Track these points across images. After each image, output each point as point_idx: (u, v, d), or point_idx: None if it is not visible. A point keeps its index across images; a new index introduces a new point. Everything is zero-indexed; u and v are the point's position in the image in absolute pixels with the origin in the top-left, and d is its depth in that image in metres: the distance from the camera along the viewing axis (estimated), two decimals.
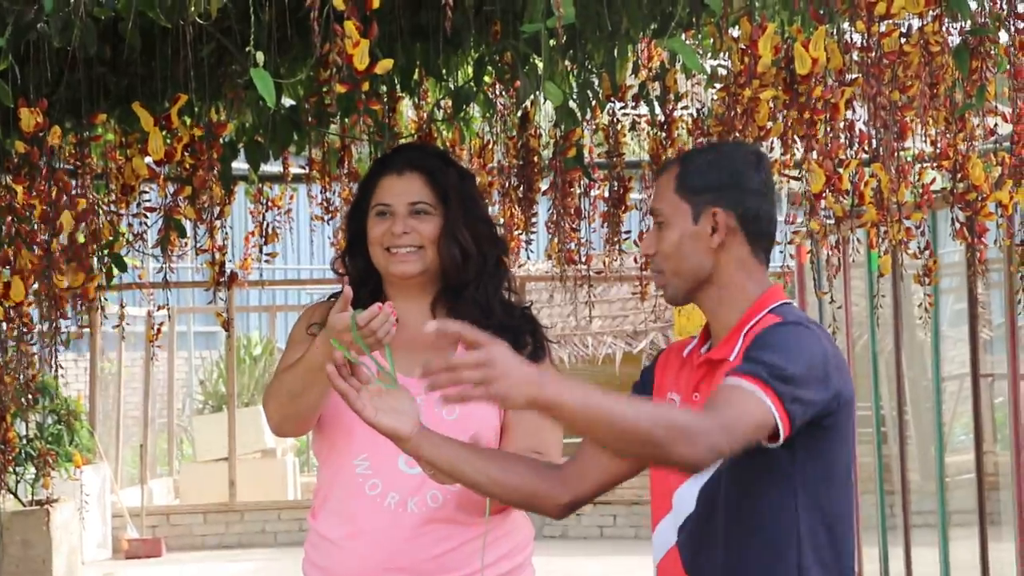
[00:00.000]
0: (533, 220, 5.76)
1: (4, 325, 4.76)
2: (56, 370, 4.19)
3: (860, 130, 4.00)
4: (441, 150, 3.72)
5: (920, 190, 4.74)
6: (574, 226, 5.51)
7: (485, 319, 3.26)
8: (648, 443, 2.43)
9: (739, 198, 2.75)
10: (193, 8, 3.16)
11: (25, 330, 4.70)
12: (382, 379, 2.92)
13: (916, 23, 3.65)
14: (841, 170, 3.77)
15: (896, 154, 3.85)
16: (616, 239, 6.13)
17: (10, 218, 3.83)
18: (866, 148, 4.03)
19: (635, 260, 6.51)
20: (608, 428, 2.43)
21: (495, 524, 3.20)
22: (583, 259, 5.83)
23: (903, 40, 3.58)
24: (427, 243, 3.26)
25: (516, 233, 6.02)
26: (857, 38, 3.57)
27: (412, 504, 3.15)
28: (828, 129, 3.70)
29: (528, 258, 6.29)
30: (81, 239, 4.33)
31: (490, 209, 6.16)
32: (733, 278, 2.77)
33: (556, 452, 3.27)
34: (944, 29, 3.66)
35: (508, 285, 3.41)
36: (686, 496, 2.81)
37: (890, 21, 3.37)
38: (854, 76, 3.69)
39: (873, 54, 3.32)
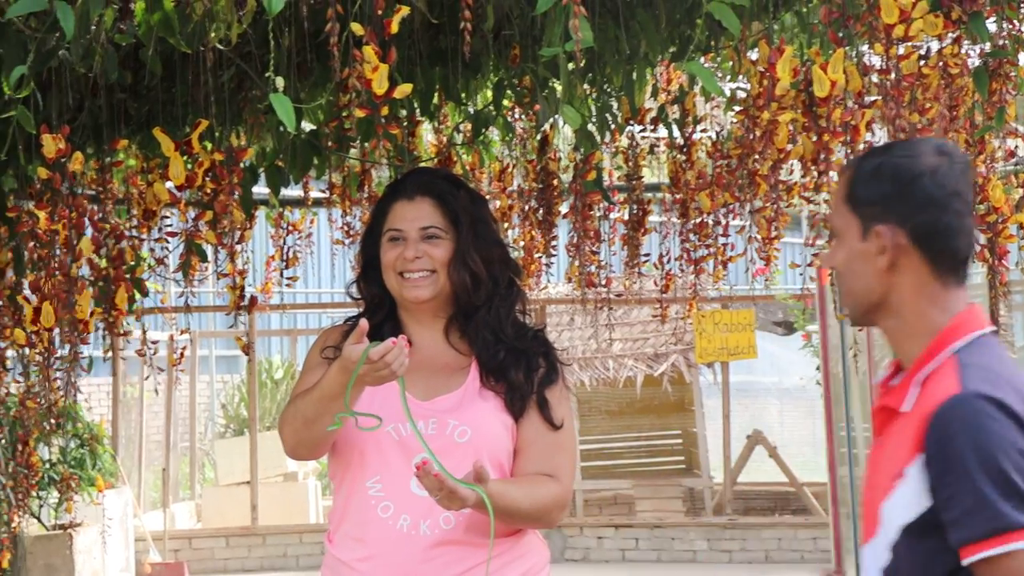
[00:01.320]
0: (553, 243, 5.76)
1: (27, 350, 4.78)
2: (75, 395, 4.19)
3: None
4: (452, 173, 3.74)
5: None
6: (594, 249, 5.51)
7: (496, 341, 3.29)
8: None
9: (908, 212, 2.33)
10: (213, 34, 3.18)
11: (48, 355, 4.72)
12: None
13: (935, 45, 3.64)
14: None
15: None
16: (636, 262, 6.14)
17: (32, 244, 3.84)
18: None
19: (655, 283, 6.52)
20: None
21: (508, 546, 3.21)
22: (603, 282, 5.83)
23: (922, 62, 3.58)
24: (439, 267, 3.27)
25: (536, 256, 6.03)
26: (876, 60, 3.57)
27: (424, 526, 3.15)
28: (848, 151, 3.69)
29: (548, 281, 6.29)
30: (103, 264, 4.35)
31: (510, 232, 6.19)
32: (910, 305, 2.36)
33: (569, 476, 3.28)
34: (963, 51, 3.65)
35: (522, 307, 3.41)
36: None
37: (909, 43, 3.37)
38: (873, 98, 3.69)
39: (892, 76, 3.32)
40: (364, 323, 3.00)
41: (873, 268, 2.36)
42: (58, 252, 3.76)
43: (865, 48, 3.72)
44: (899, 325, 2.38)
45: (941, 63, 3.56)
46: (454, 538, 3.15)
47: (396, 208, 3.32)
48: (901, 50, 3.33)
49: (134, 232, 5.10)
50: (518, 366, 3.26)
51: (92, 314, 4.05)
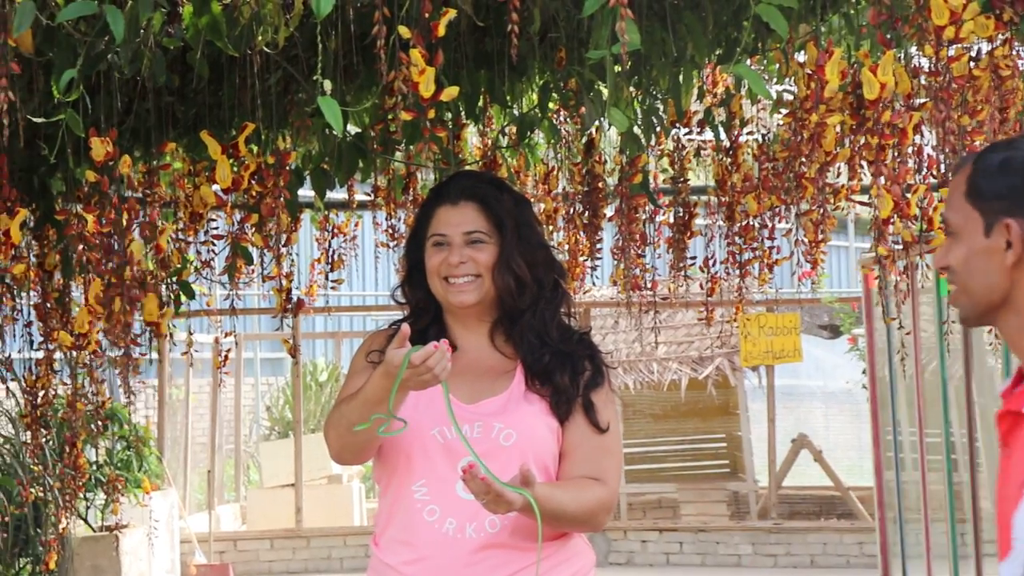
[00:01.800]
0: (598, 246, 5.75)
1: (74, 353, 4.81)
2: (129, 396, 4.22)
3: (928, 155, 3.97)
4: (496, 177, 3.73)
5: None
6: (639, 252, 5.50)
7: (541, 345, 3.28)
8: None
9: None
10: (260, 37, 3.19)
11: (94, 357, 4.75)
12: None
13: (985, 47, 3.62)
14: (909, 195, 3.73)
15: None
16: (681, 265, 6.12)
17: (81, 247, 3.86)
18: (934, 173, 3.99)
19: (700, 286, 6.50)
20: None
21: (555, 550, 3.20)
22: (649, 285, 5.82)
23: (972, 64, 3.55)
24: (484, 272, 3.27)
25: (581, 259, 6.02)
26: (924, 62, 3.54)
27: (470, 529, 3.15)
28: (896, 154, 3.66)
29: (593, 284, 6.28)
30: (150, 266, 4.37)
31: (555, 235, 6.18)
32: None
33: (615, 479, 3.27)
34: (1014, 52, 3.62)
35: (567, 309, 3.40)
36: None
37: (959, 45, 3.35)
38: (922, 101, 3.66)
39: (942, 78, 3.29)
40: (406, 328, 3.00)
41: (998, 264, 2.27)
42: (111, 255, 3.77)
43: (913, 50, 3.70)
44: (1021, 324, 2.29)
45: (992, 64, 3.53)
46: (500, 541, 3.14)
47: (440, 213, 3.31)
48: (951, 52, 3.30)
49: (180, 235, 5.13)
50: (563, 369, 3.26)
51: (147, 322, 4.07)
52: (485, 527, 3.14)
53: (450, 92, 2.95)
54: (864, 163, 3.75)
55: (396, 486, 3.24)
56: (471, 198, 3.31)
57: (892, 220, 3.70)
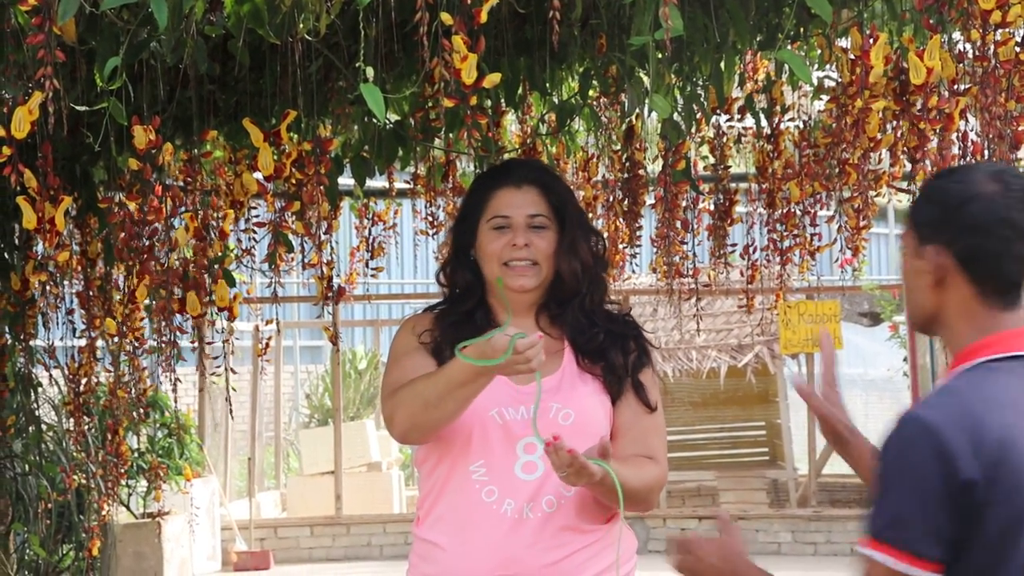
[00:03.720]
0: (638, 233, 5.74)
1: (116, 340, 4.83)
2: (174, 384, 4.24)
3: (973, 141, 3.94)
4: (547, 165, 3.75)
5: None
6: (681, 239, 5.48)
7: (591, 325, 3.31)
8: None
9: (954, 235, 2.40)
10: (302, 25, 3.19)
11: (137, 345, 4.78)
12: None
13: None
14: None
15: (1011, 165, 3.78)
16: (722, 252, 6.10)
17: (123, 235, 3.87)
18: (979, 159, 3.96)
19: (740, 273, 6.48)
20: None
21: (603, 533, 3.22)
22: (690, 272, 5.80)
23: (1019, 49, 3.51)
24: (542, 259, 3.28)
25: (621, 247, 6.01)
26: (968, 47, 3.51)
27: (528, 510, 3.15)
28: (941, 140, 3.64)
29: (633, 271, 6.27)
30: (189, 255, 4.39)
31: (595, 223, 6.18)
32: (953, 321, 2.44)
33: (665, 458, 3.30)
34: None
35: (608, 294, 3.45)
36: None
37: (1006, 29, 3.32)
38: (967, 86, 3.63)
39: (988, 63, 3.27)
40: (539, 337, 2.98)
41: (924, 284, 2.45)
42: (155, 241, 3.78)
43: (957, 35, 3.67)
44: (949, 338, 2.47)
45: None
46: (558, 522, 3.16)
47: (502, 195, 3.31)
48: (998, 36, 3.27)
49: (221, 223, 5.15)
50: (616, 348, 3.29)
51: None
52: (543, 507, 3.16)
53: (492, 79, 2.95)
54: (907, 149, 3.72)
55: (450, 466, 3.23)
56: (533, 182, 3.33)
57: None
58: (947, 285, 2.43)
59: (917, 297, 2.49)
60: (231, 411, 5.22)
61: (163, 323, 3.94)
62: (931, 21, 3.34)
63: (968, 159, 4.00)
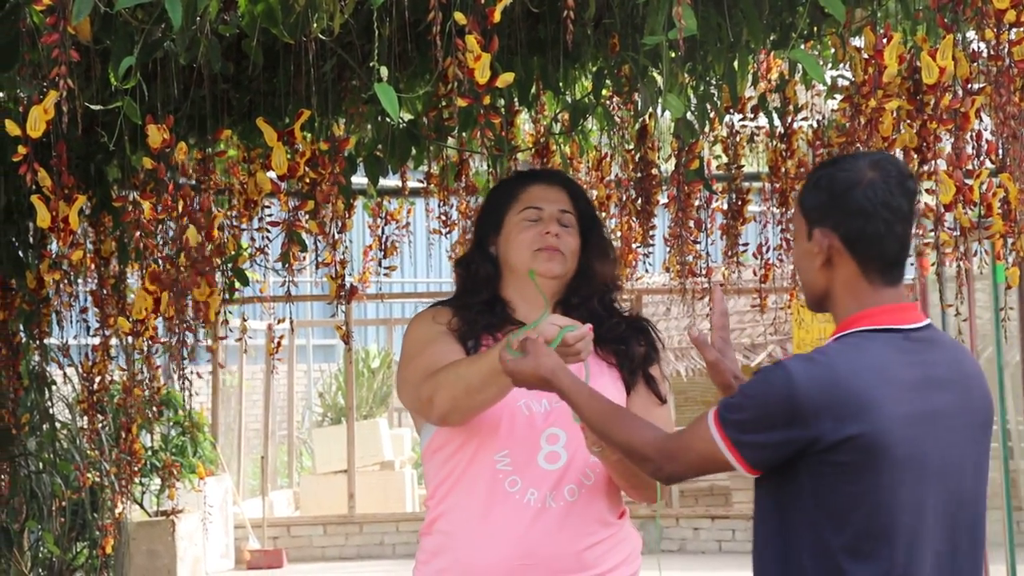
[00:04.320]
0: (651, 233, 5.74)
1: (131, 339, 4.84)
2: (184, 383, 4.24)
3: (987, 140, 3.93)
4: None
5: None
6: (694, 239, 5.48)
7: (610, 317, 3.38)
8: (618, 445, 2.82)
9: (840, 219, 2.68)
10: (316, 24, 3.20)
11: (151, 343, 4.79)
12: None
13: None
14: (971, 181, 3.70)
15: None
16: (735, 251, 6.10)
17: (137, 233, 3.88)
18: (992, 158, 3.96)
19: (753, 272, 6.48)
20: (589, 419, 2.85)
21: (616, 529, 3.28)
22: (703, 271, 5.80)
23: None
24: (568, 253, 3.35)
25: (634, 246, 6.01)
26: (982, 46, 3.50)
27: (551, 499, 3.18)
28: (955, 140, 3.63)
29: (646, 271, 6.27)
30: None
31: (608, 222, 6.18)
32: (839, 297, 2.73)
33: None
34: None
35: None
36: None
37: (1020, 28, 3.31)
38: (981, 85, 3.62)
39: (1002, 63, 3.26)
40: (588, 329, 3.02)
41: (814, 265, 2.73)
42: (165, 240, 3.79)
43: (971, 34, 3.66)
44: (836, 313, 2.75)
45: None
46: (580, 511, 3.20)
47: (534, 189, 3.40)
48: (1012, 35, 3.26)
49: (235, 222, 5.16)
50: (633, 339, 3.37)
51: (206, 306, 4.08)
52: (565, 497, 3.19)
53: (505, 78, 2.95)
54: (920, 148, 3.72)
55: (472, 454, 3.24)
56: (563, 185, 3.45)
57: (955, 206, 3.67)
58: (834, 264, 2.71)
59: (808, 276, 2.77)
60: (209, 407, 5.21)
61: (174, 321, 3.94)
62: (945, 20, 3.33)
63: (982, 159, 4.00)
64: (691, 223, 5.34)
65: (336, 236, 4.62)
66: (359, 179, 5.25)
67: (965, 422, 2.73)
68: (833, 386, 2.58)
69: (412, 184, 6.74)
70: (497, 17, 2.89)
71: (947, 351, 2.77)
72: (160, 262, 3.86)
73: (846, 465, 2.59)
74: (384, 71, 2.82)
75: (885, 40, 3.53)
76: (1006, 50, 3.27)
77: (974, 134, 3.85)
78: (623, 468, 3.12)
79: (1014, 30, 3.25)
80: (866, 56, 3.61)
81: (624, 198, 5.89)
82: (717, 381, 2.99)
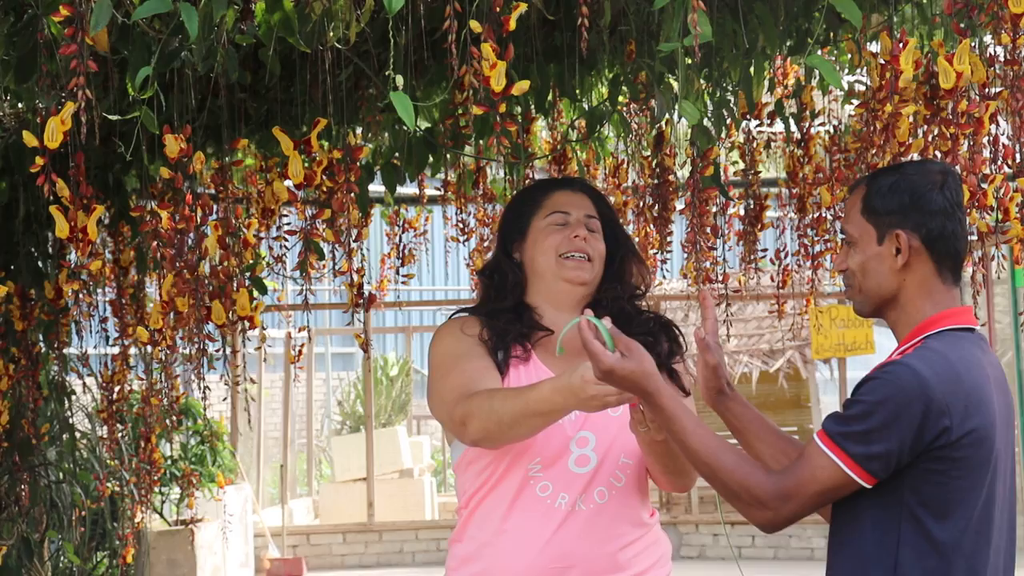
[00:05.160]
0: (668, 239, 5.74)
1: (149, 349, 4.86)
2: (203, 392, 4.25)
3: (1004, 144, 3.92)
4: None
5: None
6: (711, 245, 5.47)
7: (639, 315, 3.40)
8: (719, 485, 2.77)
9: (922, 220, 2.77)
10: (332, 33, 3.21)
11: (170, 353, 4.80)
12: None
13: None
14: (986, 185, 3.69)
15: None
16: (752, 257, 6.09)
17: (155, 243, 3.89)
18: (1010, 163, 3.95)
19: (771, 278, 6.46)
20: (689, 449, 2.79)
21: (646, 531, 3.28)
22: (720, 278, 5.79)
23: None
24: (596, 256, 3.37)
25: (651, 252, 6.01)
26: (999, 51, 3.50)
27: (581, 502, 3.19)
28: (971, 144, 3.63)
29: (664, 277, 6.26)
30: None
31: (626, 228, 6.17)
32: (913, 299, 2.80)
33: None
34: None
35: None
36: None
37: None
38: (998, 90, 3.61)
39: (1019, 67, 3.26)
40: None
41: (889, 268, 2.80)
42: (185, 251, 3.80)
43: (988, 39, 3.65)
44: (901, 316, 2.82)
45: None
46: (609, 513, 3.20)
47: (559, 195, 3.43)
48: None
49: (253, 231, 5.17)
50: (661, 335, 3.39)
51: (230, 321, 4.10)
52: (595, 498, 3.20)
53: (521, 86, 2.95)
54: (938, 153, 3.71)
55: (506, 466, 3.24)
56: (587, 192, 3.48)
57: (969, 210, 3.66)
58: (911, 265, 2.79)
59: (878, 280, 2.82)
60: (248, 419, 5.22)
61: (192, 331, 3.96)
62: (961, 25, 3.33)
63: (999, 163, 3.99)
64: (707, 229, 5.33)
65: (352, 245, 4.62)
66: (377, 187, 5.26)
67: (1010, 422, 2.83)
68: (957, 380, 2.66)
69: (430, 192, 6.75)
70: (512, 25, 2.90)
71: (993, 353, 2.87)
72: (177, 272, 3.87)
73: (961, 460, 2.65)
74: (400, 80, 2.83)
75: (901, 45, 3.53)
76: (1023, 54, 3.27)
77: (991, 139, 3.85)
78: (662, 450, 3.08)
79: None
80: (882, 61, 3.61)
81: (641, 204, 5.89)
82: (711, 386, 3.00)
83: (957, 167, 3.59)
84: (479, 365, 3.25)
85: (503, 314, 3.37)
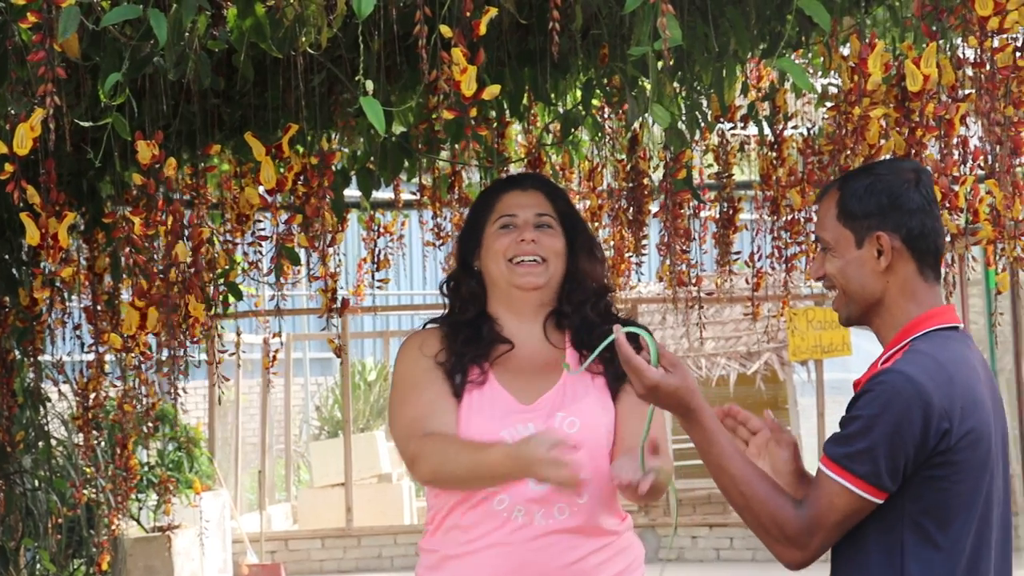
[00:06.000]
0: (644, 242, 5.75)
1: (124, 355, 4.84)
2: (176, 398, 4.25)
3: (974, 146, 3.94)
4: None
5: None
6: (684, 248, 5.48)
7: (601, 323, 3.31)
8: (749, 516, 2.68)
9: (902, 219, 2.72)
10: (304, 39, 3.20)
11: (143, 359, 4.79)
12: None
13: None
14: (956, 187, 3.71)
15: (1012, 170, 3.79)
16: (727, 260, 6.10)
17: (128, 249, 3.89)
18: (981, 165, 3.97)
19: (746, 280, 6.48)
20: (724, 475, 2.69)
21: (612, 539, 3.24)
22: (693, 280, 5.80)
23: (1018, 55, 3.52)
24: (551, 256, 3.31)
25: (627, 255, 6.02)
26: (970, 53, 3.52)
27: (539, 517, 3.16)
28: (942, 146, 3.65)
29: (639, 280, 6.27)
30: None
31: (600, 232, 6.18)
32: (897, 300, 2.74)
33: (666, 447, 3.23)
34: None
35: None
36: None
37: (1004, 36, 3.32)
38: (967, 92, 3.63)
39: (986, 69, 3.27)
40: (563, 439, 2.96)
41: (871, 270, 2.74)
42: (156, 257, 3.79)
43: (958, 41, 3.67)
44: (886, 319, 2.76)
45: None
46: (567, 527, 3.16)
47: (508, 197, 3.37)
48: (996, 43, 3.28)
49: (228, 236, 5.17)
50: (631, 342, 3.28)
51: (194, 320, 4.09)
52: (554, 514, 3.17)
53: (491, 91, 2.95)
54: (908, 155, 3.73)
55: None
56: (539, 187, 3.40)
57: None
58: (893, 267, 2.73)
59: (861, 284, 2.75)
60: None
61: (166, 337, 3.95)
62: (931, 28, 3.35)
63: (970, 165, 4.02)
64: (681, 232, 5.34)
65: (327, 249, 4.62)
66: (353, 192, 5.26)
67: (1001, 419, 2.79)
68: (951, 381, 2.60)
69: (405, 196, 6.74)
70: (483, 30, 2.91)
71: (978, 351, 2.83)
72: (148, 278, 3.86)
73: (960, 464, 2.60)
74: (370, 85, 2.83)
75: (870, 48, 3.54)
76: (990, 56, 3.29)
77: (960, 140, 3.87)
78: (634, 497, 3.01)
79: (997, 37, 3.26)
80: (852, 64, 3.63)
81: (616, 208, 5.90)
82: (791, 468, 2.93)
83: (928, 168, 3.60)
84: (433, 396, 3.22)
85: (463, 328, 3.33)
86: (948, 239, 4.07)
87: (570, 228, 3.36)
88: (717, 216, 5.98)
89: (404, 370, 3.34)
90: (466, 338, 3.31)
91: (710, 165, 6.14)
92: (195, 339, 4.16)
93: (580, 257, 3.35)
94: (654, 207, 5.63)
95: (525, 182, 3.44)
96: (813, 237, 3.34)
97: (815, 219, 2.95)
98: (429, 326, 3.41)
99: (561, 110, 5.41)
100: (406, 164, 5.06)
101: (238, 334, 6.34)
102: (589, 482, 3.02)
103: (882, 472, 2.56)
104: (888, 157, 3.78)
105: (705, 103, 4.85)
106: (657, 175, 5.43)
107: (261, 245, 5.11)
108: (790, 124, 5.50)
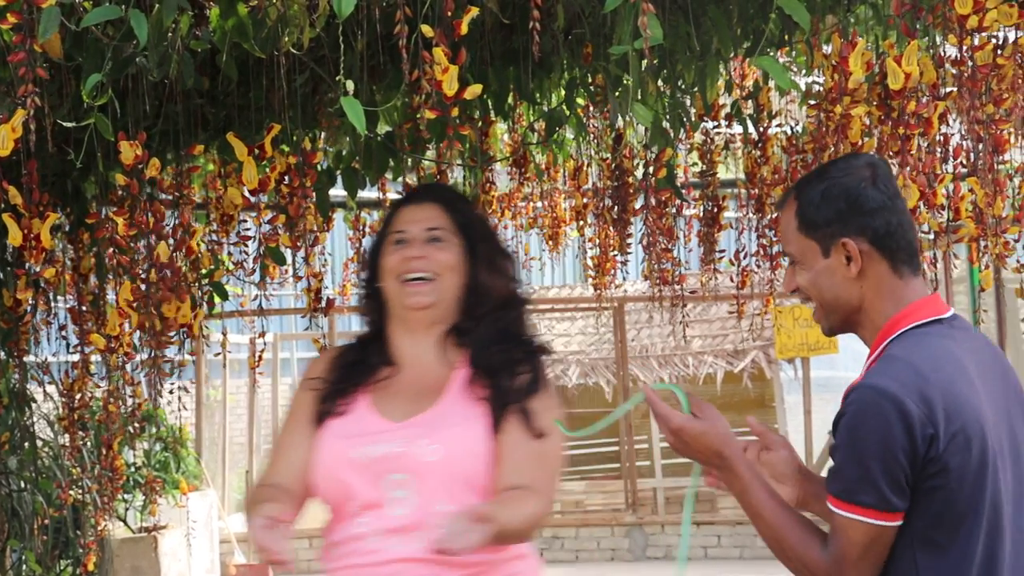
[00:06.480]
0: (628, 241, 5.75)
1: (108, 356, 4.84)
2: (156, 399, 4.24)
3: (956, 144, 3.96)
4: (458, 189, 3.74)
5: (1018, 203, 4.67)
6: (667, 246, 5.49)
7: (493, 344, 3.17)
8: (784, 561, 2.65)
9: (864, 221, 2.61)
10: (287, 38, 3.20)
11: (127, 359, 4.79)
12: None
13: (1011, 35, 3.61)
14: (936, 185, 3.72)
15: (993, 168, 3.80)
16: (711, 258, 6.12)
17: (111, 249, 3.89)
18: (963, 162, 3.99)
19: (731, 279, 6.49)
20: (761, 521, 2.67)
21: (480, 570, 3.07)
22: (676, 279, 5.81)
23: (997, 53, 3.54)
24: (443, 271, 3.17)
25: (612, 254, 6.03)
26: (951, 51, 3.53)
27: (394, 543, 3.05)
28: (923, 144, 3.66)
29: (624, 278, 6.28)
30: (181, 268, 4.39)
31: (585, 230, 6.19)
32: (874, 302, 2.63)
33: (549, 487, 3.10)
34: None
35: (525, 316, 3.32)
36: None
37: (983, 34, 3.34)
38: (948, 90, 3.65)
39: (967, 67, 3.28)
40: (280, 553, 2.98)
41: (842, 277, 2.63)
42: (138, 257, 3.80)
43: (939, 40, 3.69)
44: (866, 322, 2.66)
45: (1017, 53, 3.52)
46: (422, 557, 2.99)
47: (402, 212, 3.25)
48: (976, 41, 3.29)
49: (213, 236, 5.16)
50: (506, 371, 3.13)
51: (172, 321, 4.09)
52: (411, 542, 3.02)
53: (473, 90, 2.96)
54: (890, 153, 3.74)
55: (332, 508, 3.27)
56: (435, 200, 3.26)
57: (918, 210, 3.69)
58: (865, 271, 2.62)
59: (836, 293, 2.65)
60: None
61: (150, 337, 3.95)
62: (912, 27, 3.36)
63: (953, 163, 4.03)
64: (664, 231, 5.35)
65: (311, 249, 4.62)
66: (339, 191, 5.25)
67: (1011, 405, 2.67)
68: (927, 385, 2.49)
69: (391, 196, 6.74)
70: (464, 29, 2.91)
71: (979, 337, 2.74)
72: (134, 279, 3.87)
73: (956, 469, 2.49)
74: (351, 85, 2.83)
75: (851, 47, 3.56)
76: (970, 55, 3.30)
77: (942, 138, 3.88)
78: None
79: (977, 36, 3.28)
80: (834, 63, 3.64)
81: (601, 206, 5.91)
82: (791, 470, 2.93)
83: (907, 167, 3.62)
84: (292, 426, 3.22)
85: (351, 352, 3.26)
86: (932, 236, 4.09)
87: (470, 239, 3.21)
88: (702, 214, 6.00)
89: (295, 396, 3.31)
90: (349, 362, 3.24)
91: (695, 163, 6.16)
92: (180, 339, 4.15)
93: (480, 270, 3.20)
94: (639, 205, 5.64)
95: (421, 196, 3.32)
96: (781, 252, 3.22)
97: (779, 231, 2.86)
98: (340, 346, 3.38)
99: (546, 109, 5.42)
100: (391, 164, 5.06)
101: (224, 334, 6.34)
102: (446, 514, 2.86)
103: (887, 495, 2.48)
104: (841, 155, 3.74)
105: (689, 102, 4.85)
106: (640, 174, 5.44)
107: (246, 245, 5.11)
108: (774, 122, 5.51)
